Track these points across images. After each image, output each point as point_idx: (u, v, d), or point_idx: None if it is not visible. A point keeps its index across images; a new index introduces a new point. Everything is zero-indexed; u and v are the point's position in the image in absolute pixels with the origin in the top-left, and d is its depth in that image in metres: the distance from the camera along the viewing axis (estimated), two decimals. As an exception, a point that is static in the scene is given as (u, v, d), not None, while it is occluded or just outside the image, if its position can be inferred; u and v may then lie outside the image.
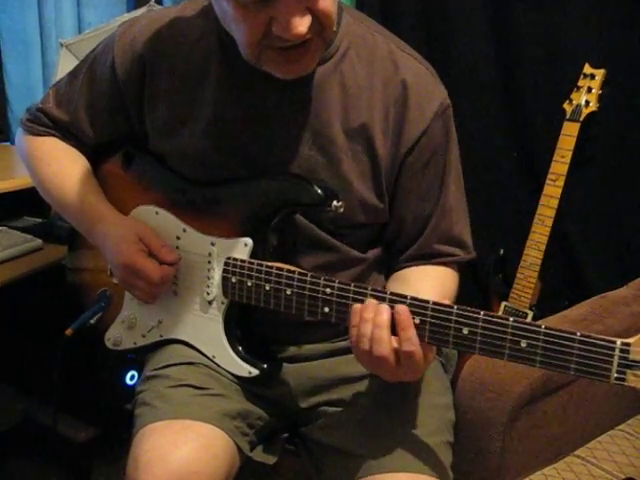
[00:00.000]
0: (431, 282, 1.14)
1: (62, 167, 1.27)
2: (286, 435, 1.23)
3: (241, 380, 1.17)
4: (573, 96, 1.85)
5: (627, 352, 0.83)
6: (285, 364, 1.19)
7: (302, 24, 0.93)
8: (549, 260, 1.91)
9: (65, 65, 1.99)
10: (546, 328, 0.88)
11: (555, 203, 1.85)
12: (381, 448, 1.07)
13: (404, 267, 1.18)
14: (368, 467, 1.06)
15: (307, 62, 1.01)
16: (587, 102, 1.82)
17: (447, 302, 0.95)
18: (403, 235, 1.17)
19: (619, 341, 0.84)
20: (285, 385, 1.20)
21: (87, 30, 2.14)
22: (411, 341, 0.93)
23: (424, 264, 1.17)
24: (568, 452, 1.37)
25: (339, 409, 1.17)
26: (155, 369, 1.18)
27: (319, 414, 1.19)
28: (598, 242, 1.96)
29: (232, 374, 1.16)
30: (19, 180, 1.65)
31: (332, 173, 1.10)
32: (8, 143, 2.20)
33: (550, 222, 1.87)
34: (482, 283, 2.12)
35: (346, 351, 1.21)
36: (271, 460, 1.18)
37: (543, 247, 1.89)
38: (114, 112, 1.22)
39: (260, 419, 1.17)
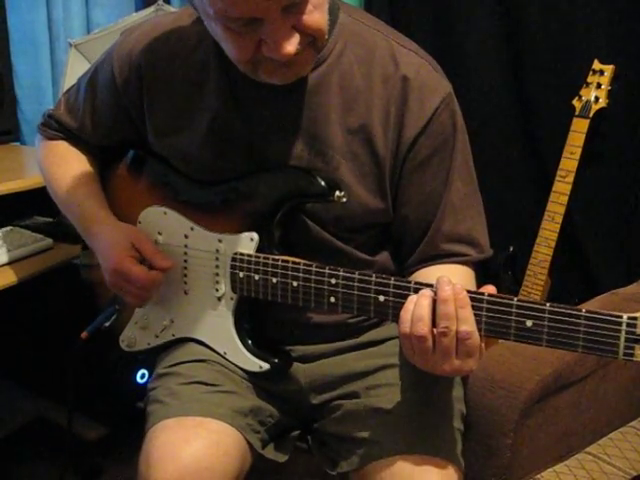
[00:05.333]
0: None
1: (69, 169, 1.29)
2: (298, 432, 1.24)
3: (252, 376, 1.17)
4: (582, 92, 1.84)
5: (634, 326, 0.83)
6: (295, 363, 1.20)
7: (290, 44, 0.93)
8: (559, 257, 1.91)
9: (74, 65, 2.00)
10: (551, 306, 0.88)
11: (565, 200, 1.85)
12: (394, 433, 1.08)
13: (416, 270, 1.15)
14: (382, 451, 1.07)
15: (301, 66, 1.02)
16: (596, 98, 1.81)
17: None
18: (408, 236, 1.16)
19: (625, 315, 0.83)
20: (296, 382, 1.20)
21: (96, 30, 2.15)
22: (468, 321, 0.91)
23: (435, 265, 1.14)
24: (579, 449, 1.37)
25: (351, 401, 1.17)
26: (167, 367, 1.19)
27: (333, 408, 1.19)
28: (608, 239, 1.96)
29: (243, 370, 1.17)
30: (29, 180, 1.66)
31: (330, 177, 1.09)
32: (18, 143, 2.21)
33: (560, 219, 1.86)
34: (492, 280, 2.11)
35: (355, 348, 1.21)
36: (282, 458, 1.18)
37: (553, 244, 1.88)
38: (117, 119, 1.24)
39: (272, 416, 1.17)
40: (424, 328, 0.91)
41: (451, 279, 0.94)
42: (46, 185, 1.33)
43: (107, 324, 1.27)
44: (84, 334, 1.27)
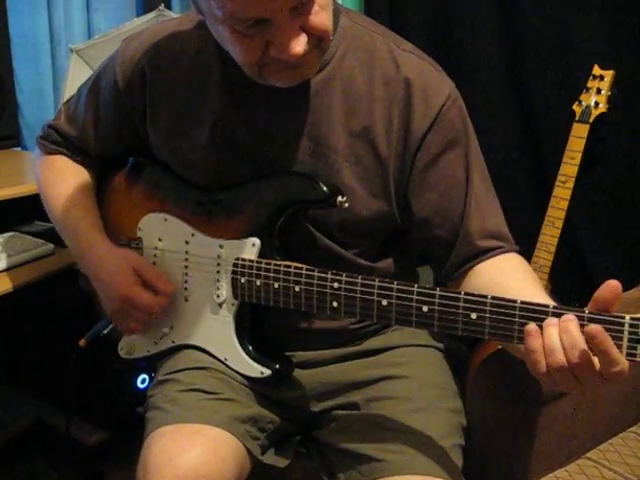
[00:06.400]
0: (516, 277, 1.08)
1: (65, 188, 1.29)
2: (298, 438, 1.24)
3: (253, 382, 1.17)
4: (582, 97, 1.84)
5: (637, 327, 0.83)
6: (296, 369, 1.20)
7: (299, 44, 0.94)
8: (559, 262, 1.90)
9: (75, 70, 2.00)
10: (554, 307, 0.88)
11: (565, 205, 1.84)
12: (394, 451, 1.07)
13: (464, 273, 1.12)
14: (381, 470, 1.06)
15: (308, 68, 1.02)
16: (596, 103, 1.81)
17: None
18: (435, 238, 1.13)
19: (628, 316, 0.83)
20: (296, 389, 1.20)
21: (97, 35, 2.15)
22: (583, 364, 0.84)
23: (479, 263, 1.11)
24: (580, 454, 1.37)
25: (351, 412, 1.17)
26: (167, 374, 1.19)
27: (331, 418, 1.19)
28: (608, 244, 1.95)
29: (244, 376, 1.17)
30: (30, 185, 1.66)
31: (333, 181, 1.10)
32: (19, 148, 2.21)
33: (560, 224, 1.86)
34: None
35: (357, 356, 1.22)
36: (282, 463, 1.18)
37: (553, 249, 1.88)
38: (119, 125, 1.25)
39: (271, 423, 1.17)
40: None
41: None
42: (43, 204, 1.33)
43: (105, 331, 1.27)
44: (82, 341, 1.27)
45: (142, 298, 1.16)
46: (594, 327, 0.81)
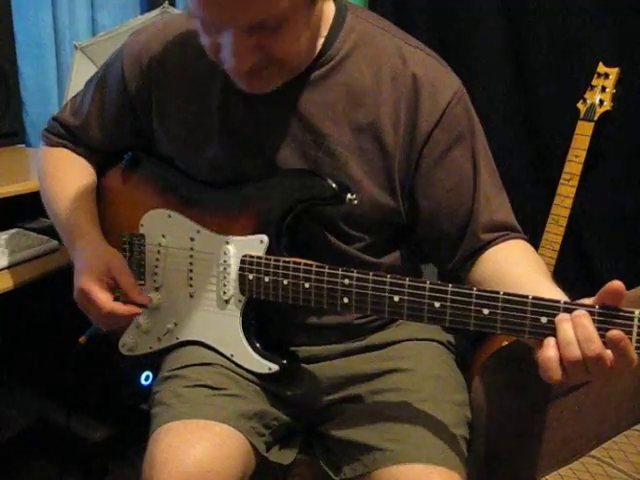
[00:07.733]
0: (521, 262, 1.08)
1: (63, 180, 1.29)
2: (303, 436, 1.24)
3: (259, 379, 1.17)
4: (587, 95, 1.84)
5: None
6: (301, 364, 1.20)
7: (244, 62, 0.94)
8: (563, 260, 1.90)
9: (80, 68, 2.00)
10: (565, 303, 0.88)
11: (569, 203, 1.85)
12: (397, 440, 1.07)
13: (471, 267, 1.13)
14: (385, 459, 1.06)
15: (262, 85, 1.02)
16: (601, 101, 1.81)
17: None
18: (443, 234, 1.14)
19: (637, 311, 0.84)
20: (302, 384, 1.20)
21: (101, 32, 2.15)
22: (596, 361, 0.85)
23: (482, 254, 1.12)
24: (584, 452, 1.37)
25: (356, 405, 1.17)
26: (172, 370, 1.19)
27: (336, 412, 1.19)
28: (613, 242, 1.95)
29: (251, 372, 1.17)
30: (34, 182, 1.65)
31: (339, 173, 1.10)
32: (23, 145, 2.21)
33: (564, 222, 1.86)
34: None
35: (361, 350, 1.22)
36: (287, 460, 1.18)
37: (557, 247, 1.88)
38: (123, 119, 1.24)
39: (277, 419, 1.17)
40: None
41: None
42: (41, 195, 1.33)
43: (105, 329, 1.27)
44: (82, 338, 1.27)
45: (96, 297, 1.14)
46: (618, 333, 0.83)
